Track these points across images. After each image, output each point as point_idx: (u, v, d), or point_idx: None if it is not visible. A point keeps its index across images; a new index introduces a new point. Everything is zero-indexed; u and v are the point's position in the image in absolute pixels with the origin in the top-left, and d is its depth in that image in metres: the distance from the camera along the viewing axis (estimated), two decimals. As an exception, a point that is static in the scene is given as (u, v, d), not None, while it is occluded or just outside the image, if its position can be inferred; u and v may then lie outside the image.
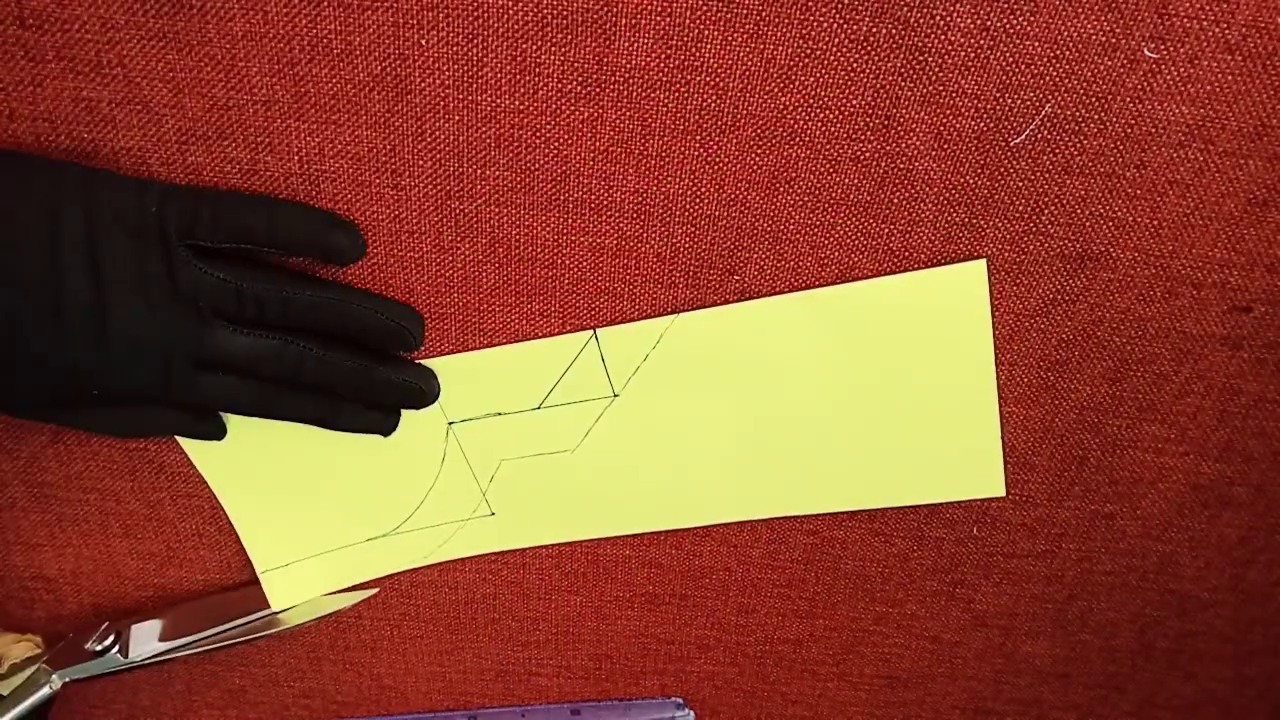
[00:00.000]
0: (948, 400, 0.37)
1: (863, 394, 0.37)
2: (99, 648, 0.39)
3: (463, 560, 0.43)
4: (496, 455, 0.39)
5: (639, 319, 0.37)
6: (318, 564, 0.41)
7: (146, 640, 0.39)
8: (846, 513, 0.42)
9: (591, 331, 0.36)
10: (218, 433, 0.37)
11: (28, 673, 0.38)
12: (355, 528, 0.41)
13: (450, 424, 0.38)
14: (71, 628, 0.43)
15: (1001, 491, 0.39)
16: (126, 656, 0.39)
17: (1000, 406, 0.39)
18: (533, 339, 0.37)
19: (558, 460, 0.39)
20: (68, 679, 0.39)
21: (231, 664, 0.45)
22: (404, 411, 0.37)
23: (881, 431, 0.38)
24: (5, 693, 0.38)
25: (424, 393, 0.36)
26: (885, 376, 0.37)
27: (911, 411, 0.37)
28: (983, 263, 0.35)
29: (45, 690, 0.38)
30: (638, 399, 0.37)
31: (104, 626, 0.39)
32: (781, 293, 0.36)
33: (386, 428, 0.37)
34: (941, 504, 0.42)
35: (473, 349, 0.37)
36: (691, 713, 0.48)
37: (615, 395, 0.37)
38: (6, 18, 0.30)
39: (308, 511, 0.40)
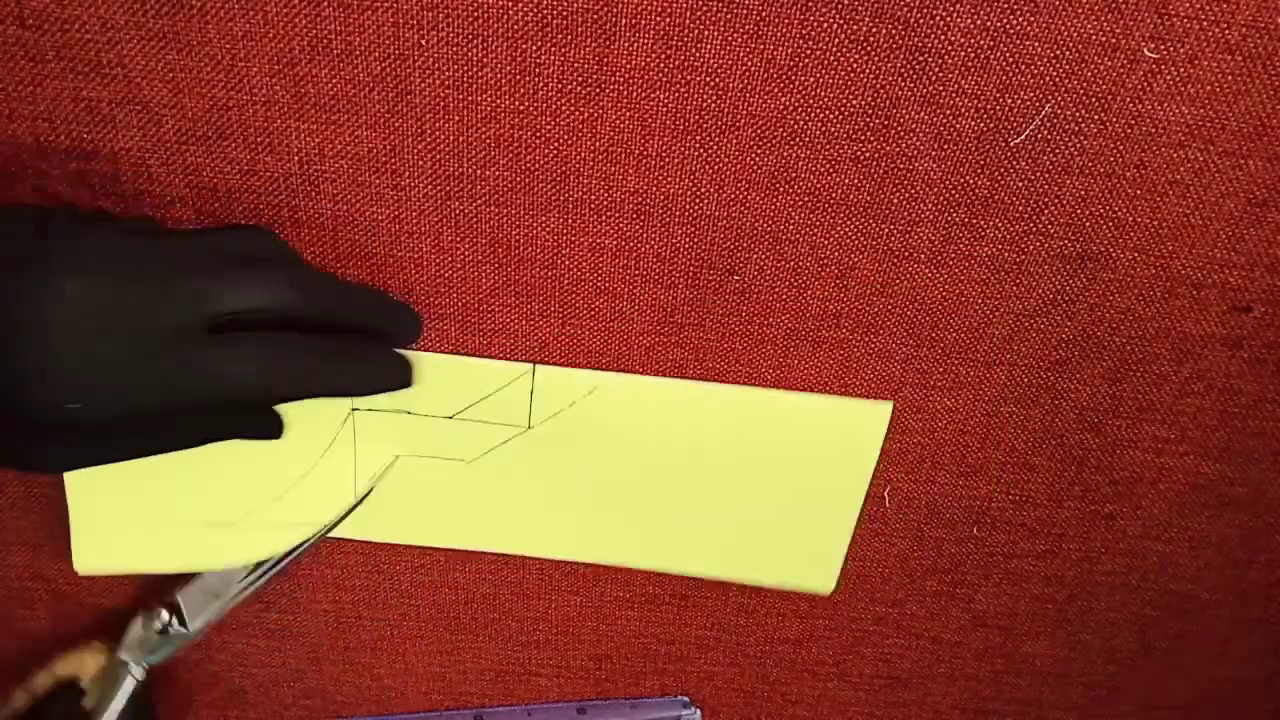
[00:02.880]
0: (813, 507, 0.41)
1: (741, 485, 0.40)
2: (162, 625, 0.38)
3: (462, 561, 0.43)
4: (391, 450, 0.39)
5: (636, 319, 0.37)
6: (142, 537, 0.38)
7: (200, 603, 0.39)
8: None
9: (531, 366, 0.37)
10: (275, 427, 0.35)
11: (106, 674, 0.38)
12: (201, 509, 0.38)
13: (354, 410, 0.37)
14: (73, 628, 0.43)
15: (829, 589, 0.43)
16: (188, 628, 0.38)
17: (1000, 406, 0.39)
18: (532, 339, 0.37)
19: (451, 467, 0.39)
20: (145, 665, 0.38)
21: (231, 664, 0.45)
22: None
23: (747, 518, 0.41)
24: (91, 703, 0.37)
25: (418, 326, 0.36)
26: (767, 477, 0.40)
27: (778, 508, 0.41)
28: (888, 405, 0.38)
29: (130, 680, 0.38)
30: (547, 437, 0.38)
31: (155, 607, 0.39)
32: (780, 294, 0.36)
33: (407, 376, 0.35)
34: (942, 504, 0.42)
35: (472, 349, 0.37)
36: (699, 711, 0.48)
37: (529, 428, 0.38)
38: (6, 17, 0.30)
39: (154, 481, 0.37)
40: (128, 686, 0.38)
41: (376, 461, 0.39)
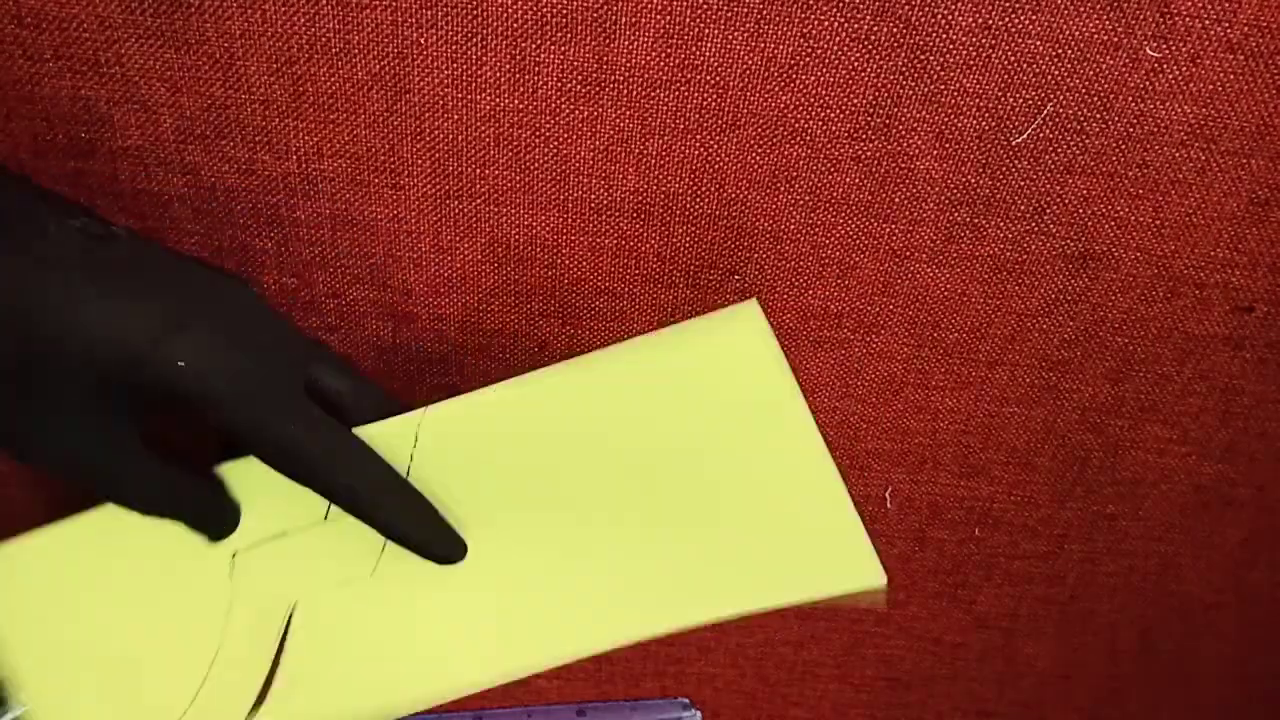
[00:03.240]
0: (767, 468, 0.30)
1: (667, 480, 0.30)
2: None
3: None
4: (287, 594, 0.30)
5: (636, 319, 0.37)
6: None
7: None
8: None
9: (422, 413, 0.30)
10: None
11: None
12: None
13: (234, 555, 0.30)
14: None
15: (879, 582, 0.30)
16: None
17: (1002, 407, 0.39)
18: (532, 339, 0.37)
19: (355, 591, 0.30)
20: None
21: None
22: (182, 549, 0.30)
23: (711, 516, 0.31)
24: None
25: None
26: (684, 454, 0.30)
27: (730, 490, 0.30)
28: (752, 301, 0.30)
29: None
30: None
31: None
32: (781, 294, 0.36)
33: (452, 551, 0.30)
34: (944, 505, 0.42)
35: (473, 349, 0.37)
36: (699, 712, 0.47)
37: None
38: (4, 16, 0.30)
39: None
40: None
41: (277, 616, 0.30)
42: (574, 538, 0.31)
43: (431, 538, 0.30)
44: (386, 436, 0.30)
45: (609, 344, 0.36)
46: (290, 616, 0.30)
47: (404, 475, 0.30)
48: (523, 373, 0.32)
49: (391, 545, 0.30)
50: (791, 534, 0.30)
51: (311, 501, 0.30)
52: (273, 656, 0.30)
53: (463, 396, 0.30)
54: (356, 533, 0.30)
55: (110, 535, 0.29)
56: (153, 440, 0.28)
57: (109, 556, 0.30)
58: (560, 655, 0.31)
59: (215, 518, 0.30)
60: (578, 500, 0.30)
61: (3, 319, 0.26)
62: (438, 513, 0.30)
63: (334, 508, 0.30)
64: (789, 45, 0.31)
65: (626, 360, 0.30)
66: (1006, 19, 0.31)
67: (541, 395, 0.30)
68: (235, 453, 0.31)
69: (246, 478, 0.30)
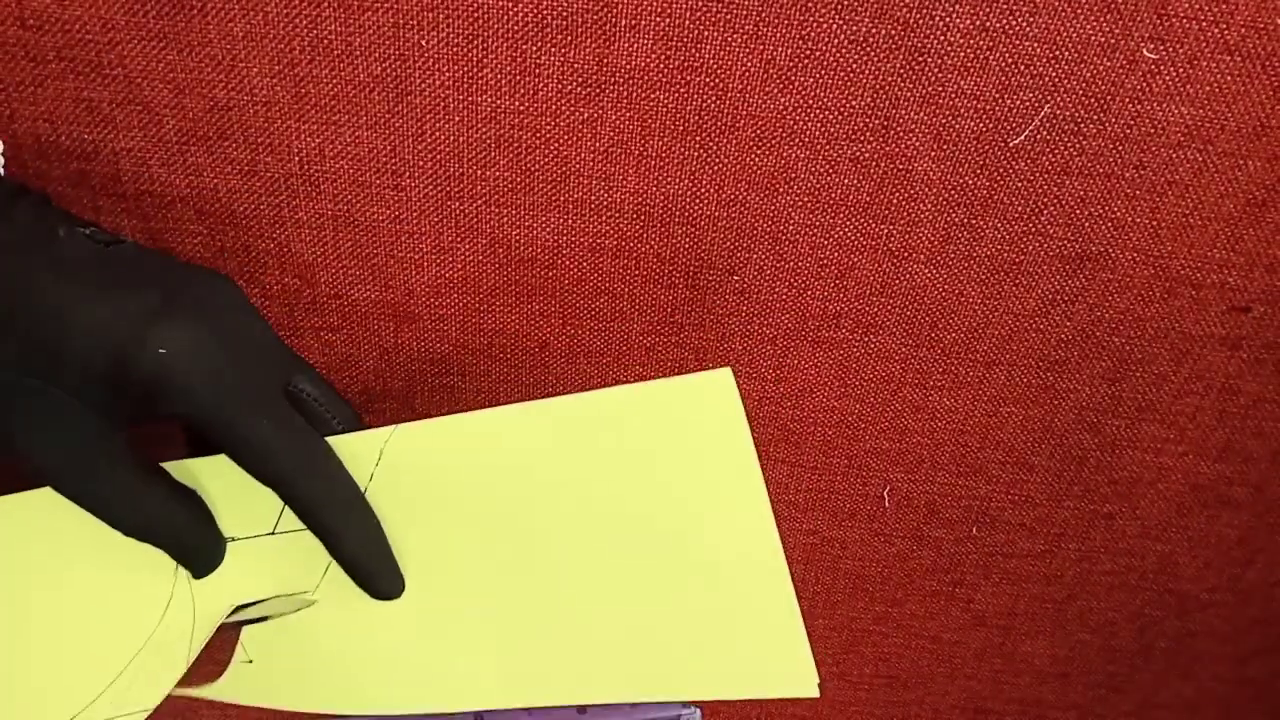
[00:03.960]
0: (719, 554, 0.29)
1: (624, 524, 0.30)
2: None
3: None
4: (227, 599, 0.30)
5: (636, 319, 0.37)
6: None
7: None
8: (845, 512, 0.42)
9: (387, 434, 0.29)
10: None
11: None
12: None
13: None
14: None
15: (814, 693, 0.30)
16: None
17: (999, 406, 0.39)
18: (532, 339, 0.37)
19: (299, 606, 0.31)
20: None
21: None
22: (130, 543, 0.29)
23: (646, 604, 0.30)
24: None
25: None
26: (638, 521, 0.29)
27: (677, 569, 0.30)
28: (726, 371, 0.28)
29: None
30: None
31: None
32: (780, 294, 0.36)
33: (392, 589, 0.30)
34: (942, 504, 0.42)
35: (473, 350, 0.37)
36: (698, 711, 0.47)
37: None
38: (7, 18, 0.30)
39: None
40: None
41: (211, 620, 0.30)
42: (514, 586, 0.30)
43: (378, 570, 0.30)
44: (352, 448, 0.29)
45: (608, 343, 0.37)
46: (230, 615, 0.30)
47: (363, 491, 0.29)
48: (523, 372, 0.33)
49: (334, 571, 0.30)
50: (734, 630, 0.30)
51: (264, 512, 0.29)
52: (197, 651, 0.30)
53: (432, 420, 0.29)
54: (302, 552, 0.30)
55: (54, 514, 0.29)
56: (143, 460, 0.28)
57: (50, 534, 0.29)
58: (479, 703, 0.31)
59: (201, 548, 0.29)
60: (526, 547, 0.30)
61: (10, 315, 0.26)
62: (389, 548, 0.30)
63: (283, 522, 0.30)
64: (787, 47, 0.32)
65: (595, 409, 0.29)
66: (1004, 21, 0.31)
67: (508, 429, 0.29)
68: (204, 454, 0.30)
69: (203, 477, 0.30)
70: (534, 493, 0.29)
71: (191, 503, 0.29)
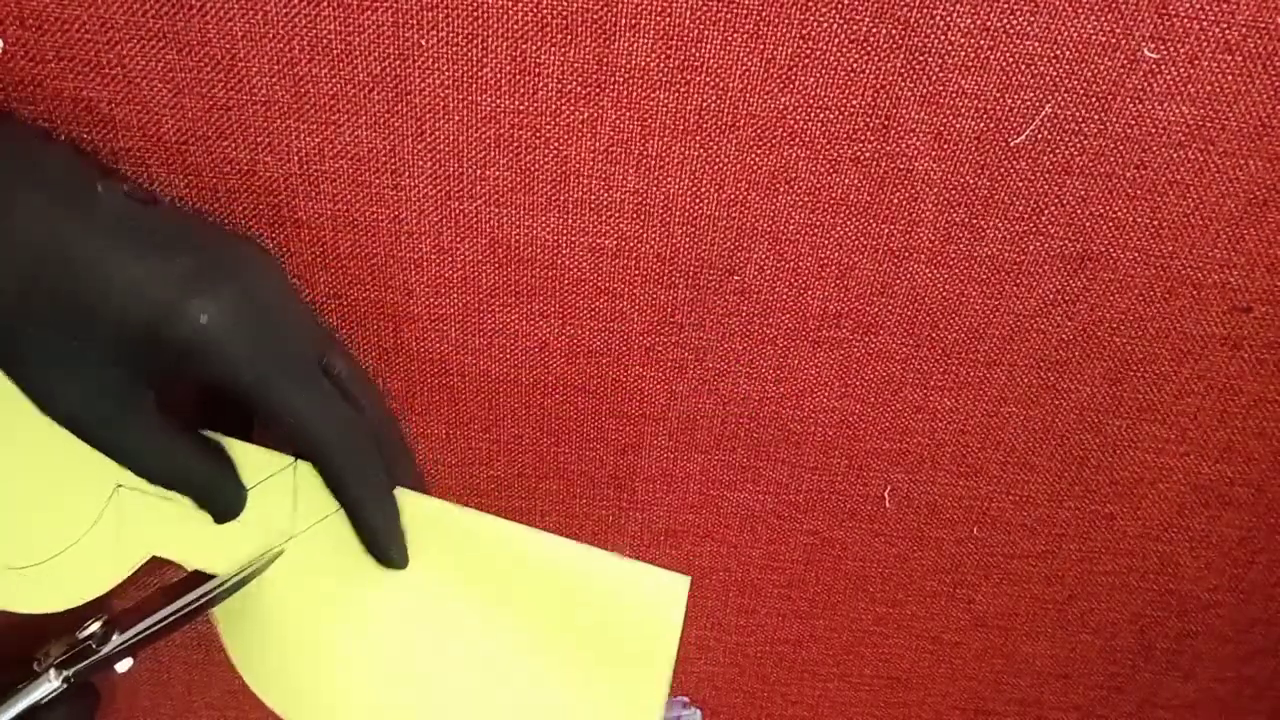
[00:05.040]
0: (615, 693, 0.35)
1: (532, 651, 0.34)
2: (83, 634, 0.38)
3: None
4: (149, 544, 0.33)
5: (636, 319, 0.37)
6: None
7: (129, 624, 0.38)
8: (845, 513, 0.42)
9: (294, 461, 0.32)
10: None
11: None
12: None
13: (119, 486, 0.32)
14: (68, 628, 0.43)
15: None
16: (109, 645, 0.37)
17: (1000, 407, 0.39)
18: (532, 339, 0.37)
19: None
20: (66, 675, 0.38)
21: (231, 664, 0.45)
22: (72, 452, 0.30)
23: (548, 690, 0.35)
24: None
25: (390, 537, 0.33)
26: (565, 641, 0.34)
27: (578, 682, 0.35)
28: (685, 580, 0.33)
29: (42, 688, 0.37)
30: (308, 561, 0.33)
31: (93, 619, 0.39)
32: (781, 294, 0.36)
33: (401, 561, 0.33)
34: (943, 504, 0.42)
35: (473, 350, 0.37)
36: (699, 711, 0.47)
37: (288, 539, 0.33)
38: (6, 18, 0.30)
39: None
40: (37, 693, 0.37)
41: (135, 548, 0.33)
42: (448, 642, 0.34)
43: (393, 541, 0.32)
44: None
45: (608, 343, 0.37)
46: (145, 561, 0.33)
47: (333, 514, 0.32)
48: (523, 372, 0.37)
49: (255, 564, 0.32)
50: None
51: None
52: (120, 580, 0.33)
53: (443, 504, 0.33)
54: (231, 535, 0.32)
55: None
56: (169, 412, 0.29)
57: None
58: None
59: (222, 497, 0.31)
60: (475, 631, 0.34)
61: (42, 268, 0.26)
62: (401, 523, 0.32)
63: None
64: (788, 46, 0.32)
65: (566, 558, 0.33)
66: (1005, 20, 0.31)
67: (470, 527, 0.33)
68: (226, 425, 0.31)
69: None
70: (498, 593, 0.34)
71: (217, 455, 0.31)
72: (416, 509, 0.33)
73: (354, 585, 0.34)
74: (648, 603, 0.33)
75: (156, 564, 0.36)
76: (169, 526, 0.32)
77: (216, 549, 0.33)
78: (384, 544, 0.32)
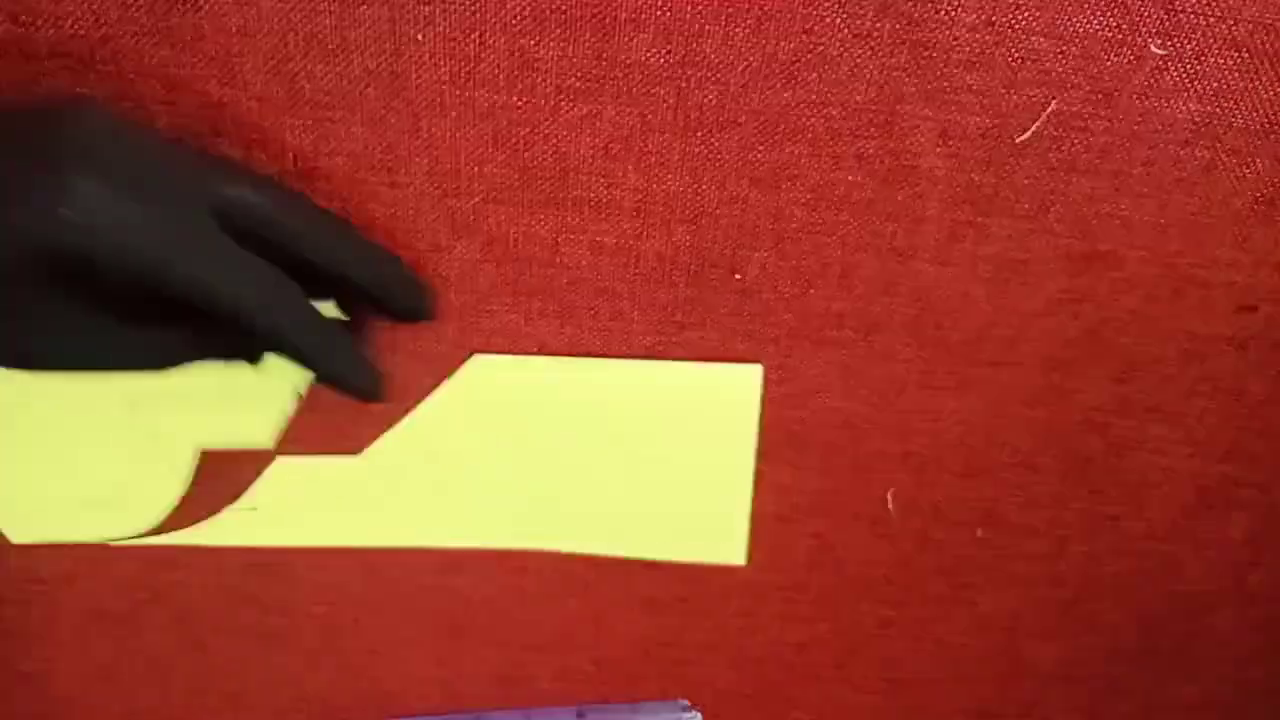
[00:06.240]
0: (705, 476, 0.40)
1: (631, 459, 0.39)
2: None
3: (460, 564, 0.42)
4: (192, 441, 0.35)
5: (636, 318, 0.37)
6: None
7: None
8: (849, 514, 0.42)
9: None
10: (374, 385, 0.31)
11: None
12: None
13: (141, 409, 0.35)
14: (68, 628, 0.43)
15: (742, 560, 0.42)
16: None
17: (1005, 407, 0.39)
18: (531, 338, 0.37)
19: (338, 463, 0.38)
20: None
21: (227, 668, 0.45)
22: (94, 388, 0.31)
23: (643, 493, 0.40)
24: None
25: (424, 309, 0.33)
26: (654, 448, 0.39)
27: (670, 480, 0.40)
28: (758, 368, 0.37)
29: None
30: (431, 418, 0.38)
31: None
32: (782, 293, 0.36)
33: (374, 387, 0.32)
34: (947, 506, 0.42)
35: (471, 349, 0.37)
36: (699, 714, 0.47)
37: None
38: (0, 14, 0.30)
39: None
40: None
41: (182, 456, 0.36)
42: (529, 463, 0.39)
43: (357, 379, 0.31)
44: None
45: (609, 344, 0.37)
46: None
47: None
48: None
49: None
50: (692, 513, 0.41)
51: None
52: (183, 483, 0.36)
53: (514, 358, 0.37)
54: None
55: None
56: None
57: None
58: (472, 539, 0.41)
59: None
60: (551, 450, 0.39)
61: None
62: (363, 352, 0.31)
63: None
64: (790, 42, 0.31)
65: (638, 374, 0.38)
66: (1010, 16, 0.31)
67: (561, 373, 0.37)
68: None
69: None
70: (572, 414, 0.38)
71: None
72: (497, 369, 0.37)
73: (474, 444, 0.38)
74: (724, 397, 0.38)
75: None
76: (199, 417, 0.35)
77: (253, 418, 0.35)
78: (348, 385, 0.30)
